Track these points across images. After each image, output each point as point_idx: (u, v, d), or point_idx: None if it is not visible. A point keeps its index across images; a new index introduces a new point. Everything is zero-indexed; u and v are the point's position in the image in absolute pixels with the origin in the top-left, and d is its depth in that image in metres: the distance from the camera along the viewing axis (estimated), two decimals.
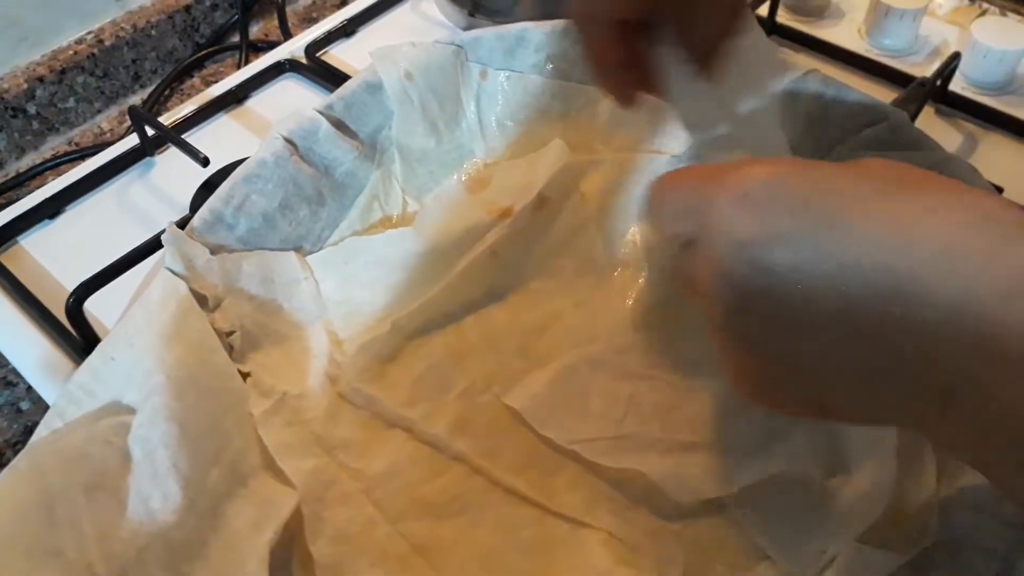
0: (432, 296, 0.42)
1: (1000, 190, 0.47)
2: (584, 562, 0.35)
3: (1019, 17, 0.60)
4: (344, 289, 0.42)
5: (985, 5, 0.62)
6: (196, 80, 0.67)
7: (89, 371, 0.34)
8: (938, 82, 0.52)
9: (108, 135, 0.63)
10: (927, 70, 0.55)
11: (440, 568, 0.34)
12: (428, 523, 0.36)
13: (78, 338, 0.44)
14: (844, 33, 0.60)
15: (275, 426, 0.35)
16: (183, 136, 0.53)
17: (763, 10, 0.58)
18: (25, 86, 0.59)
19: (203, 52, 0.67)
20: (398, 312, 0.41)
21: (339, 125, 0.43)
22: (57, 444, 0.31)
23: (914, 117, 0.46)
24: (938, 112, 0.55)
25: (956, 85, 0.55)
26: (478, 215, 0.43)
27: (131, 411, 0.33)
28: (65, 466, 0.30)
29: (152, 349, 0.33)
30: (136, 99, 0.65)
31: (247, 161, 0.41)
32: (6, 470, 0.29)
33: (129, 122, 0.64)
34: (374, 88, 0.44)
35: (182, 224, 0.39)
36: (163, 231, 0.38)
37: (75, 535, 0.28)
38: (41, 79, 0.60)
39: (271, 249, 0.41)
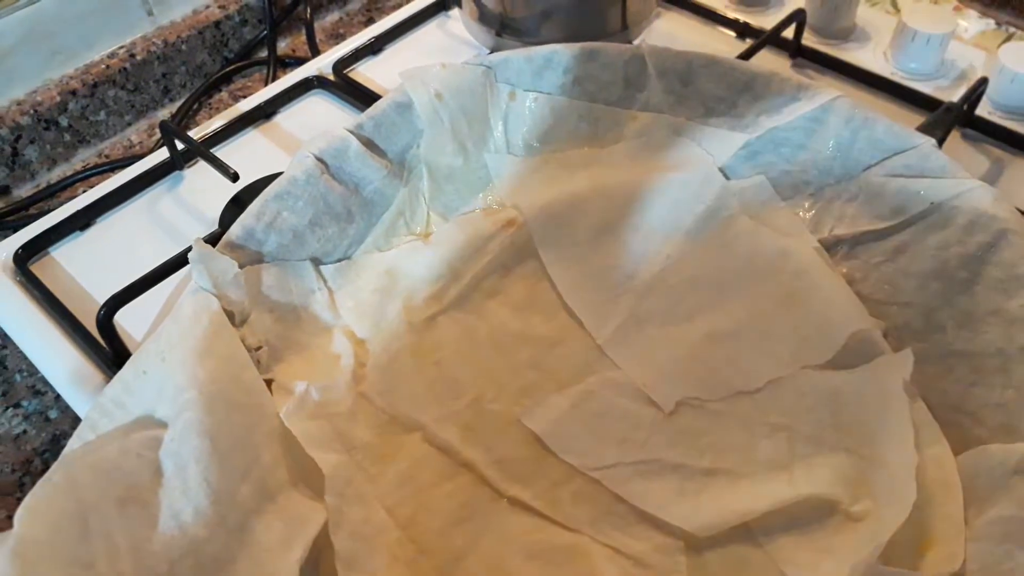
0: (443, 302, 0.43)
1: None
2: (588, 572, 0.35)
3: None
4: (357, 296, 0.43)
5: (1012, 29, 0.62)
6: (224, 95, 0.68)
7: (121, 384, 0.35)
8: (965, 107, 0.52)
9: (138, 148, 0.64)
10: (953, 94, 0.55)
11: (447, 573, 0.35)
12: (436, 529, 0.36)
13: (107, 350, 0.44)
14: (869, 56, 0.60)
15: (300, 419, 0.36)
16: (212, 150, 0.54)
17: (788, 33, 0.59)
18: (58, 99, 0.60)
19: (231, 67, 0.68)
20: (411, 317, 0.42)
21: (368, 144, 0.43)
22: (90, 457, 0.31)
23: (941, 142, 0.46)
24: (964, 137, 0.54)
25: (983, 110, 0.55)
26: (483, 225, 0.44)
27: (163, 425, 0.33)
28: (98, 479, 0.30)
29: (184, 364, 0.34)
30: (165, 113, 0.66)
31: (278, 179, 0.41)
32: (41, 482, 0.30)
33: (158, 135, 0.65)
34: (403, 108, 0.44)
35: (210, 240, 0.40)
36: (190, 247, 0.38)
37: (108, 548, 0.29)
38: (74, 92, 0.61)
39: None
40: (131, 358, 0.36)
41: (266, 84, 0.66)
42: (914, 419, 0.35)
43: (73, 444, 0.33)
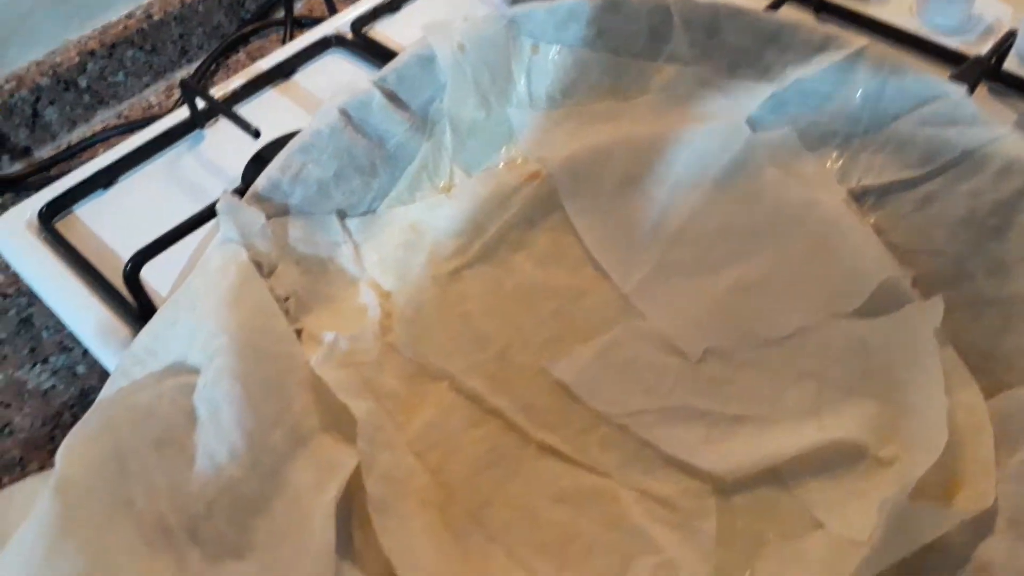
0: (468, 255, 0.43)
1: None
2: (617, 514, 0.35)
3: None
4: (381, 250, 0.43)
5: None
6: (242, 55, 0.67)
7: (152, 333, 0.35)
8: (992, 60, 0.51)
9: (156, 109, 0.64)
10: (980, 49, 0.54)
11: (476, 515, 0.35)
12: (465, 474, 0.37)
13: (133, 304, 0.44)
14: (894, 11, 0.59)
15: (330, 367, 0.36)
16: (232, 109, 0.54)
17: None
18: (77, 60, 0.60)
19: (248, 27, 0.68)
20: (436, 269, 0.42)
21: (392, 97, 0.43)
22: (126, 401, 0.31)
23: (969, 95, 0.45)
24: (991, 91, 0.54)
25: (1011, 64, 0.54)
26: (508, 178, 0.44)
27: (194, 372, 0.33)
28: (134, 422, 0.31)
29: (215, 312, 0.34)
30: (183, 74, 0.66)
31: (303, 131, 0.41)
32: (79, 425, 0.30)
33: (176, 96, 0.65)
34: (426, 61, 0.44)
35: (236, 194, 0.40)
36: (217, 200, 0.38)
37: (146, 488, 0.29)
38: (92, 53, 0.61)
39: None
40: (161, 308, 0.36)
41: (283, 44, 0.66)
42: (944, 365, 0.35)
43: (106, 391, 0.33)
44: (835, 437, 0.35)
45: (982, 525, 0.30)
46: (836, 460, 0.35)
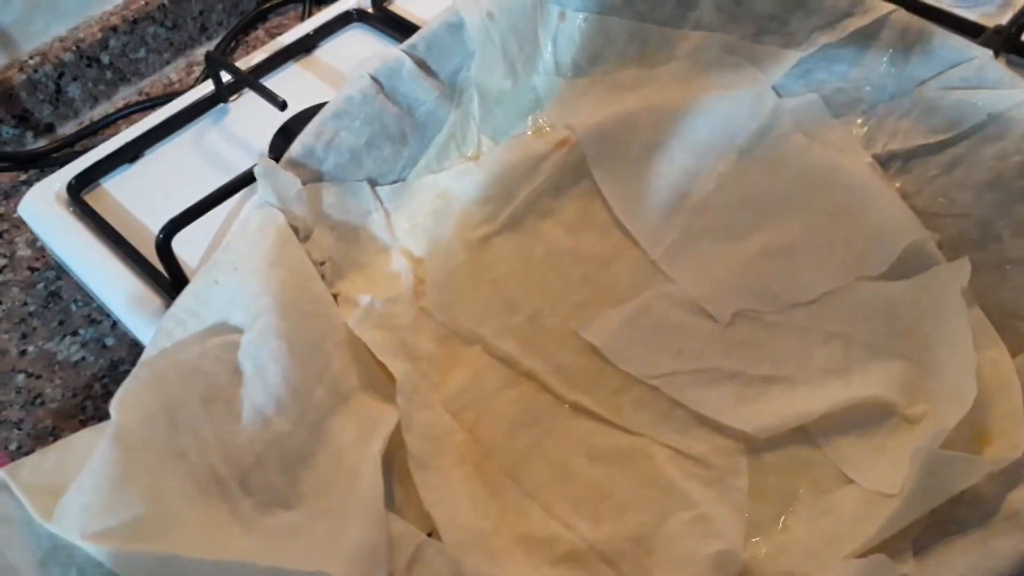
0: (497, 223, 0.43)
1: None
2: (651, 471, 0.36)
3: None
4: (412, 218, 0.44)
5: None
6: (261, 32, 0.68)
7: (192, 295, 0.35)
8: (1013, 30, 0.51)
9: (177, 86, 0.64)
10: (999, 20, 0.54)
11: (512, 472, 0.36)
12: (501, 432, 0.37)
13: (164, 274, 0.45)
14: None
15: (367, 328, 0.37)
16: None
17: None
18: (99, 36, 0.60)
19: (267, 4, 0.68)
20: (465, 236, 0.43)
21: (421, 65, 0.44)
22: (172, 359, 0.32)
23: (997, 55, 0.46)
24: (1010, 63, 0.54)
25: None
26: (535, 146, 0.45)
27: (238, 331, 0.34)
28: (182, 377, 0.31)
29: (257, 273, 0.34)
30: (202, 51, 0.66)
31: (335, 98, 0.41)
32: (129, 378, 0.31)
33: (196, 73, 0.65)
34: (455, 28, 0.44)
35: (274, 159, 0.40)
36: (255, 165, 0.39)
37: (197, 440, 0.30)
38: (114, 29, 0.61)
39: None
40: (200, 271, 0.36)
41: (302, 20, 0.66)
42: (971, 325, 0.36)
43: (149, 352, 0.34)
44: (863, 395, 0.36)
45: (1012, 476, 0.31)
46: (865, 418, 0.36)
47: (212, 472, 0.29)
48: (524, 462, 0.36)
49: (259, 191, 0.38)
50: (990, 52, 0.39)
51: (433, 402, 0.37)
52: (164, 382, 0.31)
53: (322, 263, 0.39)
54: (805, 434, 0.36)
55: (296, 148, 0.40)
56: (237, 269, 0.35)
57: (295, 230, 0.39)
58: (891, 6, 0.42)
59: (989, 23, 0.54)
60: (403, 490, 0.34)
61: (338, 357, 0.35)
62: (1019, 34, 0.53)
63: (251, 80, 0.52)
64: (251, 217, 0.37)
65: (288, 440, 0.31)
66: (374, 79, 0.42)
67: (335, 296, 0.38)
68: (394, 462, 0.34)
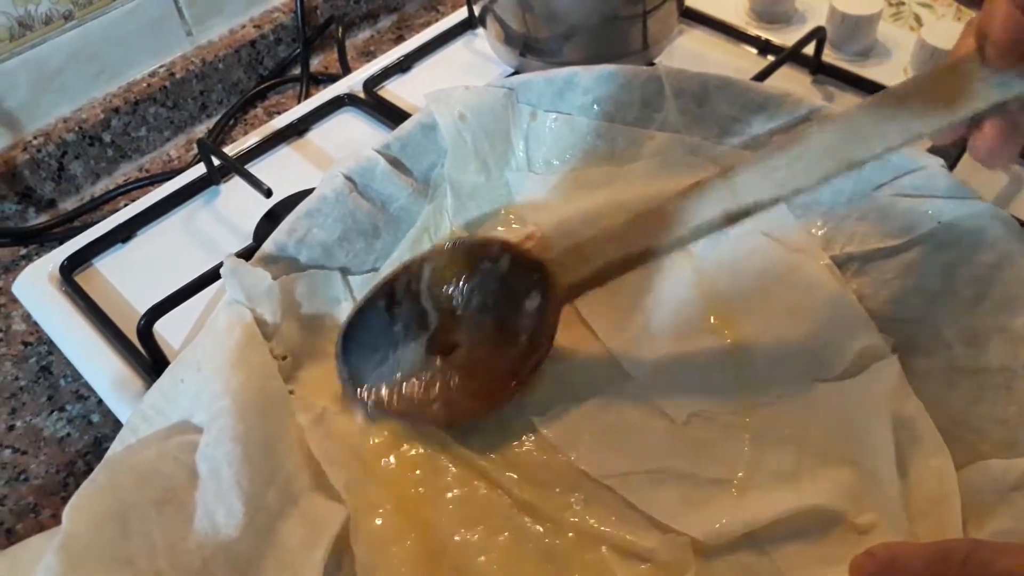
0: None
1: None
2: (595, 568, 0.37)
3: None
4: None
5: None
6: (259, 111, 0.70)
7: (160, 392, 0.37)
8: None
9: (176, 162, 0.67)
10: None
11: (466, 571, 0.36)
12: (451, 531, 0.38)
13: (147, 357, 0.46)
14: (890, 73, 0.61)
15: (318, 437, 0.38)
16: (247, 166, 0.56)
17: (809, 50, 0.60)
18: (102, 116, 0.63)
19: (266, 84, 0.71)
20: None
21: (395, 163, 0.45)
22: (131, 459, 0.33)
23: (955, 163, 0.47)
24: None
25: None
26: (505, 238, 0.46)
27: (198, 430, 0.35)
28: (138, 481, 0.32)
29: (219, 373, 0.36)
30: (203, 128, 0.69)
31: (309, 196, 0.43)
32: (86, 483, 0.32)
33: (196, 150, 0.68)
34: (429, 129, 0.46)
35: (244, 254, 0.42)
36: (223, 262, 0.40)
37: (146, 545, 0.31)
38: (116, 110, 0.64)
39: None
40: (169, 367, 0.38)
41: (299, 101, 0.68)
42: (917, 431, 0.37)
43: (115, 447, 0.35)
44: (812, 504, 0.36)
45: None
46: (812, 526, 0.36)
47: None
48: (475, 562, 0.37)
49: (227, 289, 0.40)
50: (940, 161, 0.40)
51: (381, 502, 0.38)
52: (119, 486, 0.32)
53: (284, 357, 0.40)
54: (754, 540, 0.37)
55: (268, 245, 0.42)
56: (200, 369, 0.36)
57: (264, 323, 0.40)
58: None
59: None
60: None
61: (290, 457, 0.36)
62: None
63: (238, 167, 0.54)
64: (220, 314, 0.39)
65: (236, 545, 0.32)
66: (348, 178, 0.44)
67: (292, 392, 0.40)
68: (343, 561, 0.35)
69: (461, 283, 0.42)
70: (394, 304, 0.42)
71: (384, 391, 0.41)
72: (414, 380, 0.41)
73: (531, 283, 0.41)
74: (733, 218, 0.37)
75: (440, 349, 0.42)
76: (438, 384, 0.41)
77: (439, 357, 0.42)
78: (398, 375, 0.41)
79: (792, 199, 0.37)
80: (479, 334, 0.42)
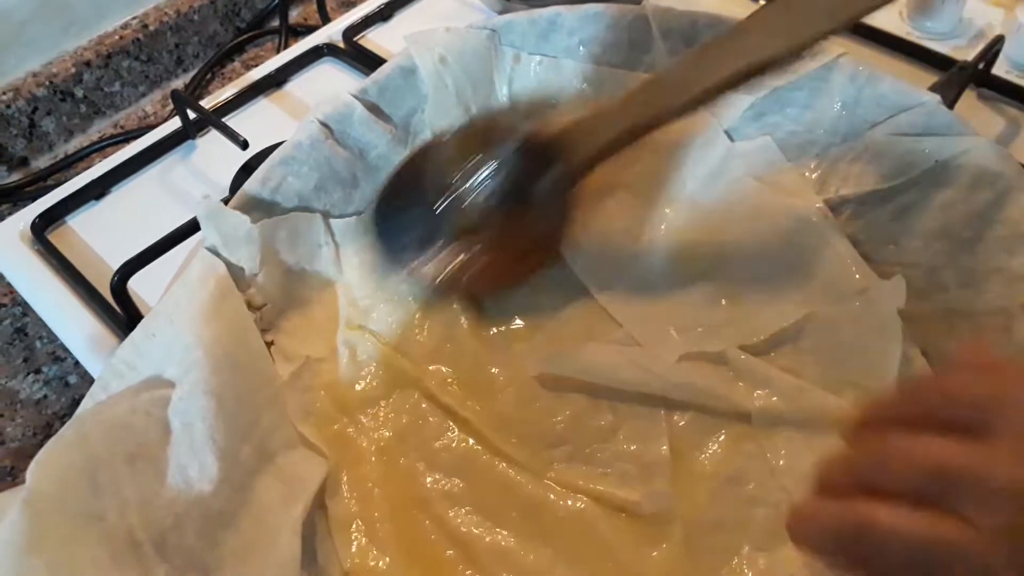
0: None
1: None
2: (582, 527, 0.36)
3: None
4: (362, 254, 0.43)
5: None
6: (237, 64, 0.68)
7: (131, 346, 0.35)
8: (980, 65, 0.51)
9: (152, 118, 0.65)
10: (970, 53, 0.53)
11: (444, 520, 0.36)
12: (434, 481, 0.37)
13: (122, 314, 0.45)
14: (885, 15, 0.59)
15: (298, 390, 0.37)
16: (223, 119, 0.54)
17: None
18: (73, 70, 0.61)
19: (244, 36, 0.69)
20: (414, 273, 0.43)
21: (373, 109, 0.44)
22: (101, 415, 0.32)
23: (953, 102, 0.45)
24: (980, 96, 0.53)
25: (1000, 69, 0.53)
26: None
27: (171, 385, 0.34)
28: (109, 436, 0.31)
29: (191, 326, 0.34)
30: (179, 83, 0.67)
31: (283, 144, 0.42)
32: (53, 438, 0.31)
33: (172, 105, 0.66)
34: (408, 72, 0.44)
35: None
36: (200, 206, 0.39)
37: (117, 501, 0.30)
38: (88, 63, 0.62)
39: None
40: (142, 321, 0.36)
41: (278, 53, 0.66)
42: (916, 371, 0.36)
43: (86, 404, 0.34)
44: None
45: None
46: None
47: (129, 536, 0.29)
48: (455, 514, 0.36)
49: (203, 235, 0.38)
50: (938, 97, 0.39)
51: (366, 453, 0.37)
52: (88, 441, 0.31)
53: (262, 306, 0.39)
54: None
55: (241, 197, 0.40)
56: (173, 322, 0.35)
57: (240, 274, 0.39)
58: (840, 51, 0.41)
59: (960, 56, 0.54)
60: (325, 549, 0.34)
61: (267, 413, 0.35)
62: (988, 69, 0.52)
63: (214, 119, 0.52)
64: (193, 266, 0.37)
65: (210, 501, 0.31)
66: (323, 124, 0.42)
67: (270, 345, 0.38)
68: (318, 520, 0.34)
69: (479, 162, 0.42)
70: (419, 183, 0.42)
71: (417, 264, 0.42)
72: (443, 256, 0.42)
73: (545, 161, 0.41)
74: (744, 76, 0.36)
75: (465, 228, 0.42)
76: (466, 258, 0.42)
77: (464, 234, 0.42)
78: (427, 252, 0.42)
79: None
80: (500, 213, 0.42)
